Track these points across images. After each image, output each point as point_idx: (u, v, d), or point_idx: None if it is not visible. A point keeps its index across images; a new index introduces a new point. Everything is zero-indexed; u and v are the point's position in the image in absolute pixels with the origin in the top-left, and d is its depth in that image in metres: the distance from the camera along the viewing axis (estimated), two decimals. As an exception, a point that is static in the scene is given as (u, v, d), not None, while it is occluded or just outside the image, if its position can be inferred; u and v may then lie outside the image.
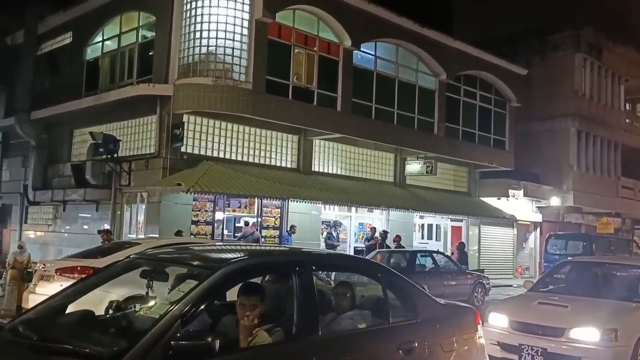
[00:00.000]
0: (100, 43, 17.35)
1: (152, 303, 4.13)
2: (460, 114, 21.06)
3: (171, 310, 3.16)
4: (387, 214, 19.01)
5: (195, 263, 3.89)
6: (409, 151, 19.25)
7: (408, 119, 19.07)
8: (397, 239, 16.90)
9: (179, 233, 12.81)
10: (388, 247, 16.61)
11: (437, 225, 21.74)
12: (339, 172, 18.04)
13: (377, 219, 19.24)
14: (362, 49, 17.47)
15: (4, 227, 19.46)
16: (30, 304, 8.28)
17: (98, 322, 3.91)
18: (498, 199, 22.40)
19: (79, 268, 8.21)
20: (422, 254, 15.00)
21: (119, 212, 15.51)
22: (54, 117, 17.21)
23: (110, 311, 4.02)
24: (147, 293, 4.24)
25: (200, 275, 3.54)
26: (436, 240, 21.57)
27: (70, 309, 3.91)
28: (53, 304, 3.89)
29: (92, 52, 17.64)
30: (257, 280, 4.27)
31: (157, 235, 13.09)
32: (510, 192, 22.27)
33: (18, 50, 19.17)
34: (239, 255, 3.98)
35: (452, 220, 21.69)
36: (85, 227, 16.70)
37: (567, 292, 7.70)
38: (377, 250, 15.90)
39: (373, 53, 18.12)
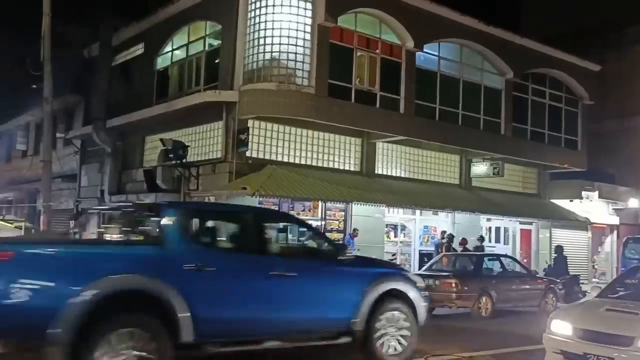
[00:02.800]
0: (170, 53, 18.05)
1: None
2: (528, 113, 20.39)
3: None
4: (453, 217, 18.65)
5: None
6: (475, 152, 18.83)
7: (473, 120, 18.67)
8: (463, 242, 16.56)
9: None
10: (455, 250, 16.31)
11: (505, 228, 21.11)
12: (402, 175, 17.88)
13: (443, 221, 18.92)
14: (425, 49, 17.25)
15: (83, 230, 20.47)
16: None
17: None
18: (570, 201, 21.51)
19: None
20: (490, 258, 14.60)
21: (187, 216, 15.98)
22: (127, 125, 18.00)
23: None
24: None
25: None
26: (504, 243, 20.96)
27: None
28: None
29: (162, 61, 18.37)
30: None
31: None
32: (584, 193, 21.34)
33: (94, 62, 20.21)
34: None
35: (521, 223, 21.01)
36: (156, 230, 17.31)
37: (638, 299, 7.28)
38: (443, 253, 15.65)
39: (436, 54, 17.87)
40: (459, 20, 17.74)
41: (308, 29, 14.64)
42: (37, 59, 11.43)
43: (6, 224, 16.27)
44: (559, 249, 17.09)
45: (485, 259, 14.32)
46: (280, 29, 14.48)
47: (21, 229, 16.87)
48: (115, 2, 19.27)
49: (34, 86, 11.81)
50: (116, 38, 19.68)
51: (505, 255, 15.82)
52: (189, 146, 15.47)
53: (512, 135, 19.63)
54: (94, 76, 19.69)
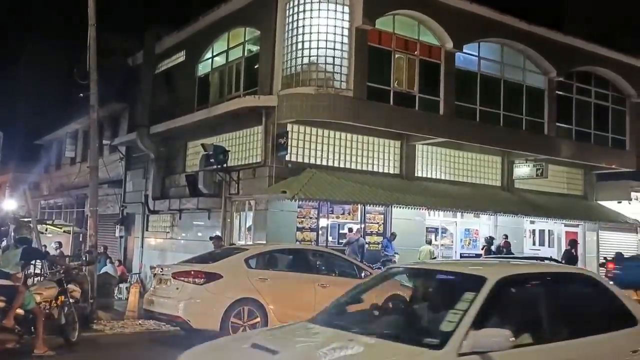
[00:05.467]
0: (210, 59, 18.38)
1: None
2: (573, 112, 19.87)
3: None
4: (495, 220, 18.33)
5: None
6: (517, 153, 18.45)
7: (515, 120, 18.31)
8: (505, 245, 16.23)
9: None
10: (494, 253, 16.01)
11: (549, 230, 20.60)
12: (442, 177, 17.67)
13: (485, 224, 18.61)
14: (464, 50, 17.05)
15: (129, 234, 21.05)
16: (155, 306, 8.97)
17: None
18: (619, 202, 20.81)
19: (192, 272, 8.76)
20: (533, 260, 14.24)
21: (229, 220, 16.24)
22: (170, 131, 18.39)
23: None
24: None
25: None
26: (549, 246, 20.45)
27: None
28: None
29: (202, 68, 18.72)
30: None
31: (264, 242, 13.53)
32: (633, 194, 20.62)
33: (138, 70, 20.76)
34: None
35: (566, 225, 20.45)
36: (199, 234, 17.65)
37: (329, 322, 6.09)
38: (483, 257, 15.39)
39: (476, 54, 17.63)
40: (500, 20, 17.46)
41: (346, 32, 14.67)
42: (84, 68, 11.80)
43: (56, 228, 16.92)
44: (620, 255, 15.72)
45: (527, 261, 13.95)
46: (318, 33, 14.56)
47: (69, 233, 17.50)
48: (159, 11, 19.76)
49: (82, 95, 12.20)
50: (159, 46, 20.17)
51: (549, 258, 15.40)
52: (229, 151, 15.70)
53: (556, 136, 19.16)
54: (138, 84, 20.22)
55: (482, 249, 17.14)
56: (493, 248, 16.61)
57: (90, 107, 11.47)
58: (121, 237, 20.88)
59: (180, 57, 19.62)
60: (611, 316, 4.71)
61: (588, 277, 5.16)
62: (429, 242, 16.83)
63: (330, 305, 4.91)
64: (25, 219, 15.23)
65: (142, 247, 20.11)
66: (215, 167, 15.51)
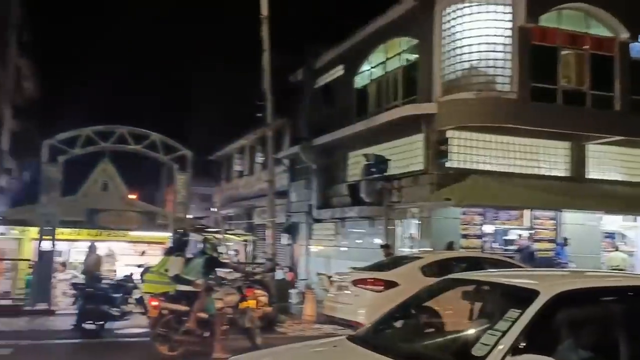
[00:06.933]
0: (368, 71, 18.90)
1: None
2: None
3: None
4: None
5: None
6: None
7: None
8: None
9: (450, 246, 13.10)
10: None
11: None
12: (619, 178, 16.31)
13: (672, 229, 16.82)
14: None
15: (294, 242, 22.23)
16: (335, 312, 9.47)
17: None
18: None
19: (370, 280, 9.11)
20: None
21: (391, 227, 16.48)
22: (330, 142, 19.18)
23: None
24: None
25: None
26: None
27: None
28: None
29: (360, 80, 19.29)
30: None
31: (431, 249, 13.55)
32: None
33: (299, 86, 21.96)
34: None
35: None
36: (361, 241, 18.13)
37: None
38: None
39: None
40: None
41: (508, 33, 14.26)
42: (253, 89, 12.80)
43: (234, 237, 18.45)
44: None
45: None
46: (479, 36, 14.32)
47: (246, 242, 18.97)
48: (317, 29, 20.74)
49: (259, 115, 13.25)
50: (318, 62, 21.17)
51: None
52: (389, 160, 15.95)
53: None
54: (299, 99, 21.37)
55: None
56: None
57: (265, 125, 12.41)
58: (288, 245, 22.12)
59: (338, 71, 20.40)
60: None
61: None
62: (616, 249, 15.59)
63: (380, 318, 4.53)
64: (209, 230, 16.81)
65: (308, 254, 21.13)
66: (376, 176, 15.84)
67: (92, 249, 12.86)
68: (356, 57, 19.18)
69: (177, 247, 10.49)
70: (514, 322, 3.29)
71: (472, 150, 15.20)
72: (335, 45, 20.15)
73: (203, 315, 8.56)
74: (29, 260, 14.58)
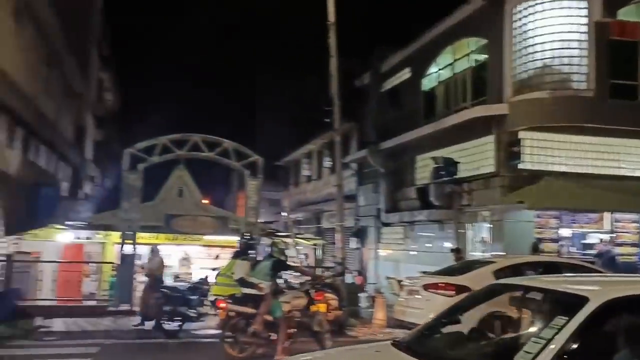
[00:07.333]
0: (435, 73, 18.70)
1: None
2: None
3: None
4: None
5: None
6: None
7: None
8: None
9: (535, 247, 12.69)
10: None
11: None
12: None
13: None
14: None
15: (363, 246, 22.27)
16: (406, 316, 9.44)
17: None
18: None
19: (442, 284, 9.01)
20: None
21: (461, 231, 16.20)
22: (398, 146, 19.11)
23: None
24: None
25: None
26: None
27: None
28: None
29: (428, 82, 19.12)
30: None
31: (504, 253, 13.23)
32: None
33: (365, 90, 22.02)
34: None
35: None
36: (430, 245, 17.93)
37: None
38: None
39: None
40: None
41: (583, 29, 13.74)
42: (318, 94, 12.95)
43: (304, 241, 18.68)
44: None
45: None
46: (552, 33, 13.88)
47: (315, 246, 19.16)
48: (382, 32, 20.73)
49: (327, 120, 13.41)
50: (384, 65, 21.15)
51: None
52: (459, 162, 15.71)
53: None
54: (365, 103, 21.42)
55: None
56: None
57: (333, 130, 12.53)
58: (356, 248, 22.17)
59: (405, 74, 20.30)
60: None
61: None
62: None
63: (426, 324, 4.42)
64: (280, 234, 17.13)
65: (376, 258, 21.10)
66: (445, 179, 15.63)
67: (154, 252, 13.28)
68: (423, 59, 19.03)
69: (243, 251, 10.77)
70: (559, 330, 3.11)
71: (545, 152, 14.72)
72: (401, 48, 20.09)
73: (269, 317, 8.64)
74: (112, 263, 15.37)
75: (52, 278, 15.39)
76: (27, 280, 14.21)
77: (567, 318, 3.17)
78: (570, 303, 3.35)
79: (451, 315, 4.48)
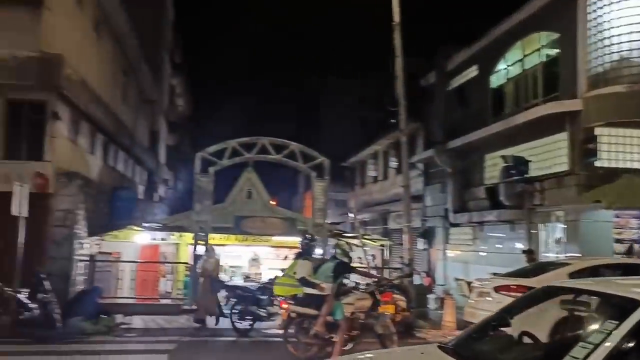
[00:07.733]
0: (503, 70, 18.21)
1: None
2: None
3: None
4: None
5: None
6: None
7: None
8: None
9: (630, 250, 12.16)
10: None
11: None
12: None
13: None
14: None
15: (430, 246, 21.99)
16: (477, 319, 9.27)
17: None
18: None
19: (514, 286, 8.79)
20: None
21: (534, 232, 15.70)
22: (465, 145, 18.74)
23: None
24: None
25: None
26: None
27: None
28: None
29: (496, 79, 18.64)
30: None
31: (580, 255, 12.73)
32: None
33: (430, 89, 21.74)
34: None
35: None
36: (500, 246, 17.47)
37: None
38: None
39: None
40: None
41: (664, 18, 13.00)
42: (383, 95, 12.93)
43: (371, 242, 18.68)
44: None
45: None
46: (630, 24, 13.22)
47: (382, 247, 19.12)
48: (447, 31, 20.44)
49: (393, 121, 13.38)
50: (450, 64, 20.81)
51: None
52: (530, 161, 15.25)
53: None
54: (431, 102, 21.15)
55: None
56: None
57: (399, 131, 12.49)
58: (424, 249, 21.93)
59: (472, 71, 19.88)
60: None
61: None
62: None
63: (475, 326, 4.31)
64: (346, 235, 17.22)
65: (445, 259, 20.79)
66: (516, 178, 15.21)
67: (209, 252, 13.47)
68: (491, 56, 18.58)
69: (305, 251, 10.89)
70: (608, 335, 3.00)
71: (624, 148, 14.06)
72: (467, 46, 19.70)
73: (330, 319, 8.63)
74: (186, 263, 15.96)
75: (131, 277, 16.17)
76: (108, 279, 15.02)
77: (617, 322, 3.07)
78: (621, 307, 3.24)
79: (499, 319, 4.42)
